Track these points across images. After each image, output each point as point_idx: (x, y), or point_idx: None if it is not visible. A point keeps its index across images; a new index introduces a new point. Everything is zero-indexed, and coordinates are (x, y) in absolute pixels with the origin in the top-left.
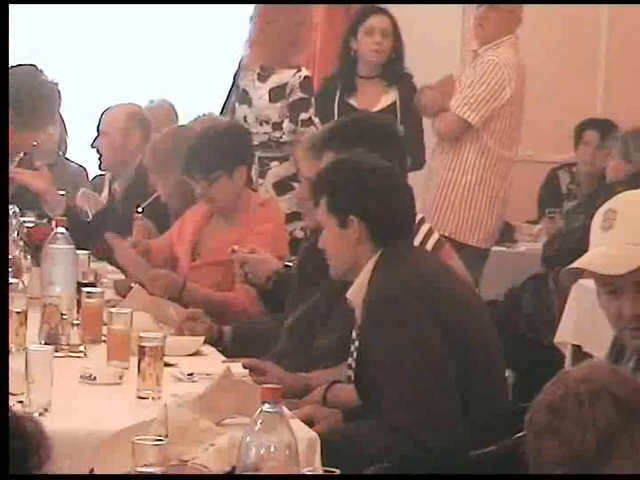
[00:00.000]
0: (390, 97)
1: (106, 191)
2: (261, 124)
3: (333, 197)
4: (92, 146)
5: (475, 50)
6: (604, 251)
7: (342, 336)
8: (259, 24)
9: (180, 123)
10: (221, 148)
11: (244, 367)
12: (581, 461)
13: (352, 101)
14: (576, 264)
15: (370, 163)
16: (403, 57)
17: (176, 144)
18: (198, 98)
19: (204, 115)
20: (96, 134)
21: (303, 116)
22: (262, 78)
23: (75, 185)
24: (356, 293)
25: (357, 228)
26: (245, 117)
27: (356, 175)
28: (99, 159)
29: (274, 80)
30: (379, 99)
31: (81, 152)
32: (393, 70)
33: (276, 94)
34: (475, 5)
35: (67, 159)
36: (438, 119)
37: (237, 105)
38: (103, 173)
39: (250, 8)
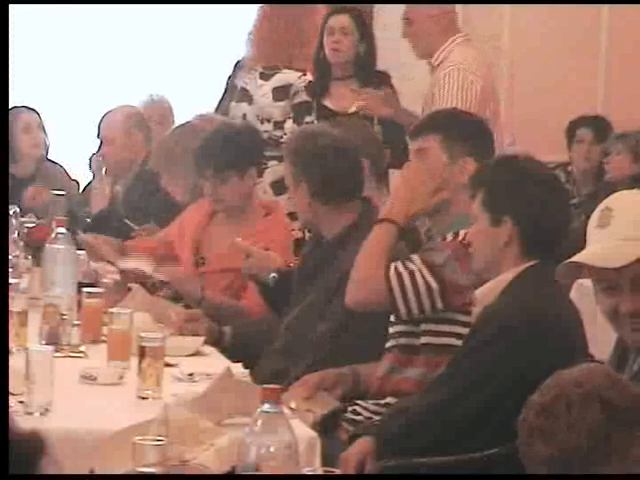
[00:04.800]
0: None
1: (107, 192)
2: (262, 122)
3: (490, 193)
4: (97, 155)
5: (429, 62)
6: (601, 247)
7: (337, 326)
8: (263, 23)
9: (177, 121)
10: (235, 148)
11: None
12: (569, 464)
13: (327, 103)
14: (574, 258)
15: (533, 168)
16: (375, 55)
17: (185, 143)
18: (195, 96)
19: (202, 115)
20: (99, 142)
21: (308, 119)
22: (265, 76)
23: (57, 184)
24: (485, 295)
25: (509, 230)
26: (244, 115)
27: (520, 175)
28: (104, 165)
29: (278, 79)
30: (354, 100)
31: (80, 151)
32: (366, 70)
33: (279, 93)
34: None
35: (48, 159)
36: None
37: (234, 104)
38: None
39: (250, 7)
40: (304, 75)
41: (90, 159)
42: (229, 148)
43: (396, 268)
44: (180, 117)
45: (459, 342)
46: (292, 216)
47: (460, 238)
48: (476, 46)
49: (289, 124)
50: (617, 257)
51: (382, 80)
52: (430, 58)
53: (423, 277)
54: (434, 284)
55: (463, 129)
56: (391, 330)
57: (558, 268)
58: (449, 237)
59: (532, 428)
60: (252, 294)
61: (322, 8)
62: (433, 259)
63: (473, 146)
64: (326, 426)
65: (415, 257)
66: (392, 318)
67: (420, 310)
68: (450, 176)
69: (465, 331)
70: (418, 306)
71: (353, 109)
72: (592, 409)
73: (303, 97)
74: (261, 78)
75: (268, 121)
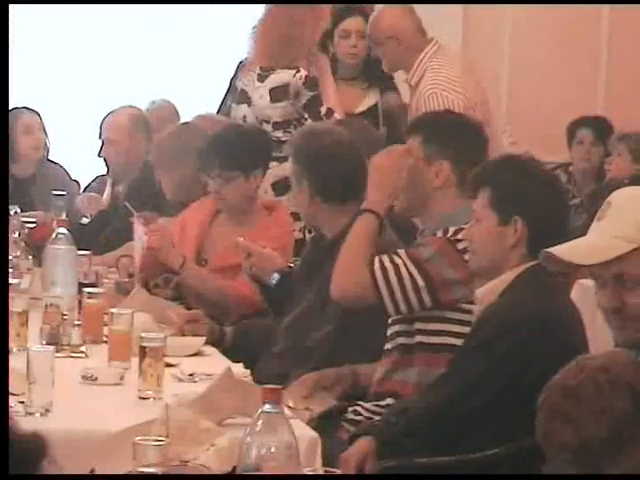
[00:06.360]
0: (371, 99)
1: (108, 192)
2: (261, 124)
3: (498, 193)
4: (99, 155)
5: (406, 80)
6: (586, 241)
7: (337, 326)
8: (267, 20)
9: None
10: (244, 149)
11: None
12: (590, 449)
13: None
14: (551, 250)
15: (535, 168)
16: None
17: (181, 141)
18: (199, 98)
19: (202, 116)
20: (100, 143)
21: (323, 110)
22: (261, 78)
23: (57, 184)
24: (486, 294)
25: (520, 230)
26: (245, 117)
27: (526, 175)
28: (106, 166)
29: (274, 80)
30: (360, 101)
31: (81, 151)
32: (373, 71)
33: (277, 94)
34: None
35: (48, 160)
36: None
37: (234, 105)
38: (104, 174)
39: (252, 8)
40: (298, 72)
41: None
42: (238, 148)
43: (381, 261)
44: (186, 119)
45: (453, 340)
46: (294, 216)
47: (449, 235)
48: (447, 52)
49: (309, 123)
50: (594, 254)
51: (386, 81)
52: (402, 71)
53: (408, 271)
54: (420, 280)
55: (446, 132)
56: (389, 331)
57: (540, 254)
58: (439, 234)
59: (555, 410)
60: (242, 279)
61: (324, 8)
62: (419, 254)
63: (455, 149)
64: (323, 424)
65: (401, 251)
66: (390, 320)
67: (407, 305)
68: (426, 178)
69: (458, 329)
70: (405, 301)
71: None
72: (620, 395)
73: (308, 94)
74: (258, 80)
75: (267, 122)
